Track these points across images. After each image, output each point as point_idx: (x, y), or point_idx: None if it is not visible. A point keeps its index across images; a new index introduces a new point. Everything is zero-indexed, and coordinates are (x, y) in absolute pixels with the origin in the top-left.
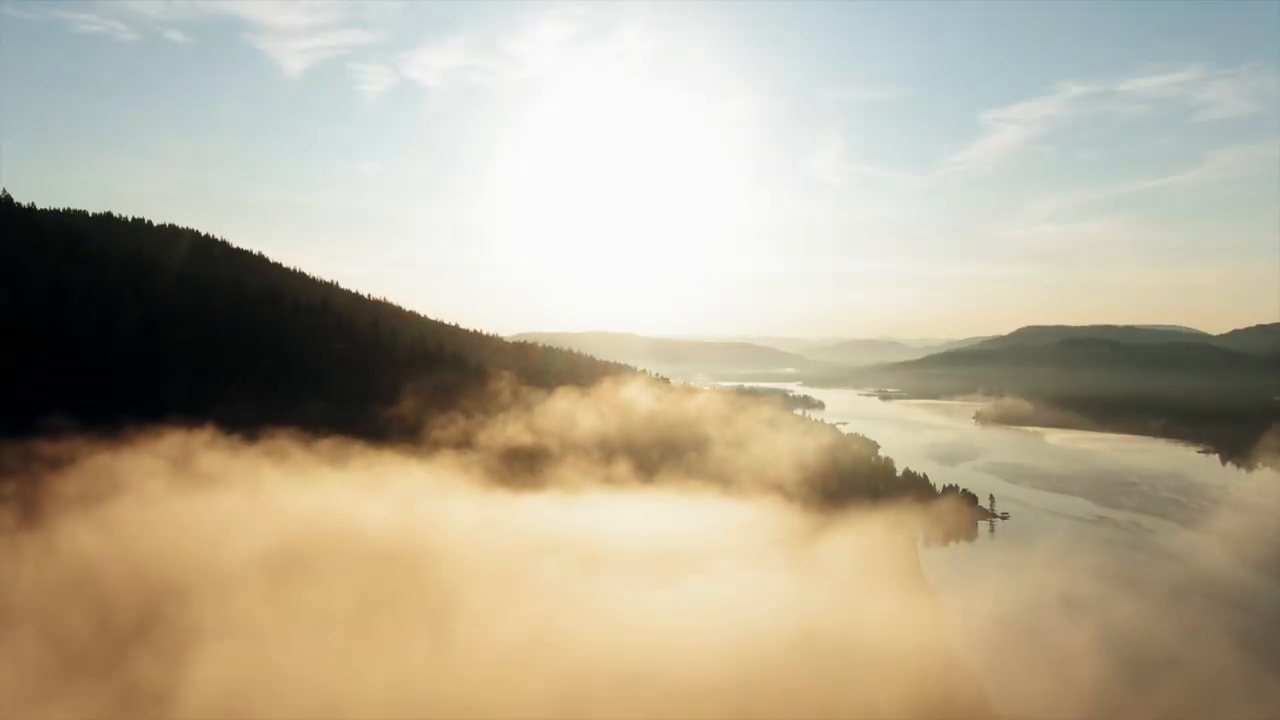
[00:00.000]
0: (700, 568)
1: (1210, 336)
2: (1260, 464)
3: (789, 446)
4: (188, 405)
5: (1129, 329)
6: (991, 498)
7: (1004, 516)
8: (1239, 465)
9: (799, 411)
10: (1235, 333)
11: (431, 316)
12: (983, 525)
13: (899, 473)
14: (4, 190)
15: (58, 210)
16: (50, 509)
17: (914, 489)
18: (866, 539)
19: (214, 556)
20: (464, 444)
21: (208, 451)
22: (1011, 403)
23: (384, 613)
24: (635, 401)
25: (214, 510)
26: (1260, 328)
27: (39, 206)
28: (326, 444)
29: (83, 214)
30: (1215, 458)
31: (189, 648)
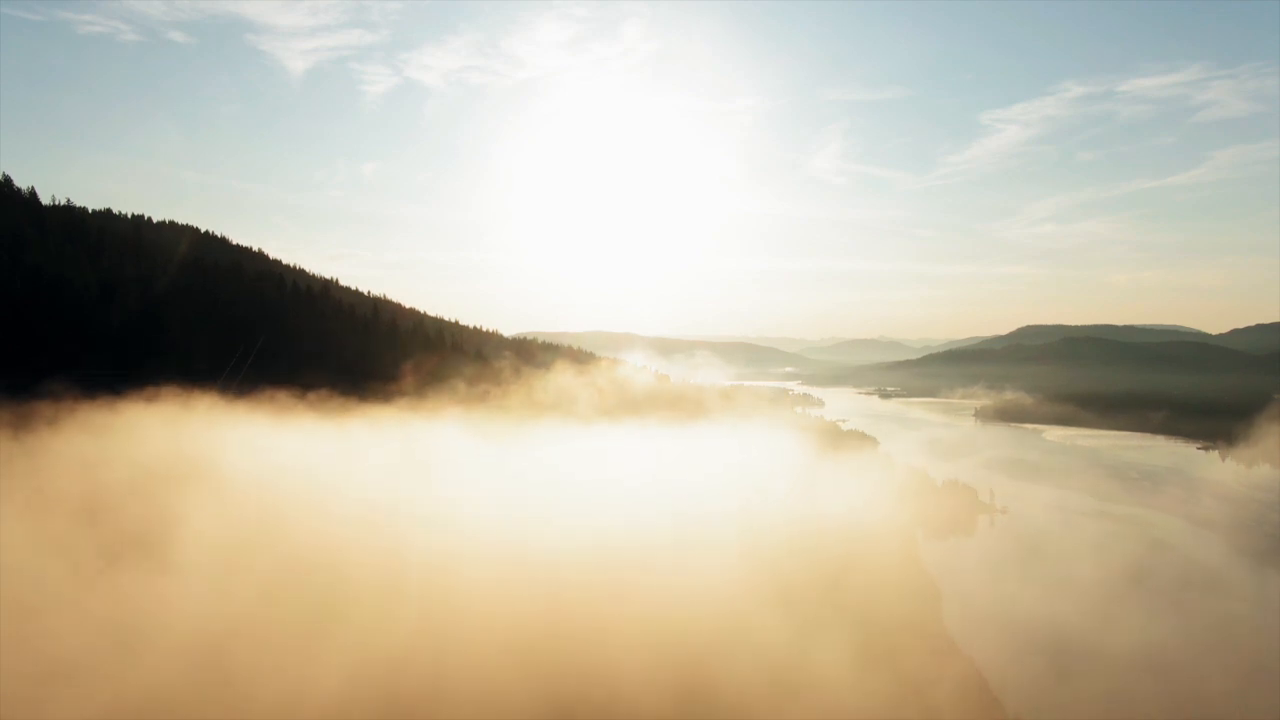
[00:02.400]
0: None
1: (1210, 335)
2: (1260, 460)
3: (791, 423)
4: (186, 379)
5: (1128, 328)
6: (991, 492)
7: (1003, 511)
8: (1238, 461)
9: (798, 410)
10: (1235, 331)
11: (431, 313)
12: (983, 519)
13: (899, 467)
14: (4, 175)
15: (56, 205)
16: (48, 437)
17: (913, 482)
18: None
19: (210, 461)
20: (465, 411)
21: (206, 407)
22: (1011, 400)
23: (389, 491)
24: (635, 380)
25: (211, 434)
26: (1260, 326)
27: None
28: (327, 406)
29: (82, 210)
30: (1215, 454)
31: (187, 509)
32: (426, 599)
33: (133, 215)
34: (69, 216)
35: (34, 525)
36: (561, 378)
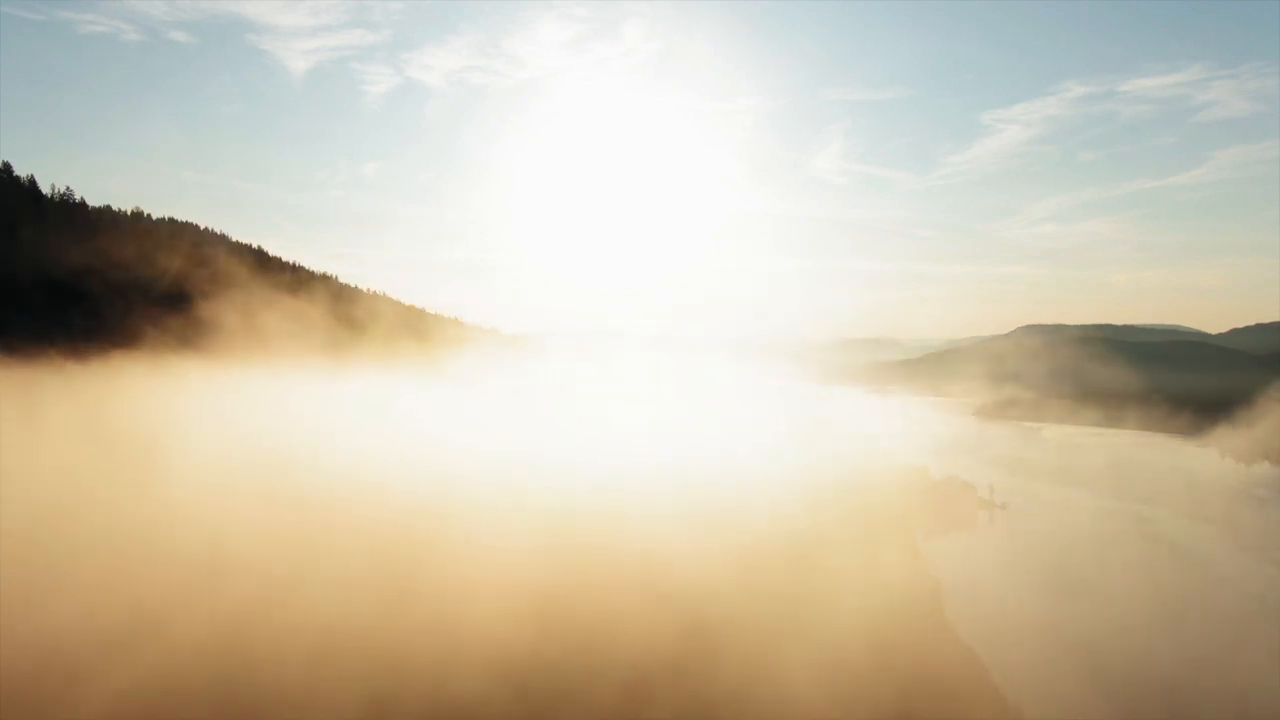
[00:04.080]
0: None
1: (1210, 335)
2: (1259, 458)
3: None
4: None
5: (1129, 327)
6: (991, 488)
7: (1003, 506)
8: (1237, 459)
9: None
10: (1234, 331)
11: (431, 311)
12: (982, 515)
13: (900, 465)
14: (4, 162)
15: (55, 197)
16: (48, 387)
17: (913, 477)
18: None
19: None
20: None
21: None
22: (1011, 398)
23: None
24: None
25: (197, 387)
26: (1259, 326)
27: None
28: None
29: (81, 202)
30: (1214, 451)
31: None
32: (424, 531)
33: (132, 212)
34: (68, 206)
35: (38, 453)
36: (560, 362)
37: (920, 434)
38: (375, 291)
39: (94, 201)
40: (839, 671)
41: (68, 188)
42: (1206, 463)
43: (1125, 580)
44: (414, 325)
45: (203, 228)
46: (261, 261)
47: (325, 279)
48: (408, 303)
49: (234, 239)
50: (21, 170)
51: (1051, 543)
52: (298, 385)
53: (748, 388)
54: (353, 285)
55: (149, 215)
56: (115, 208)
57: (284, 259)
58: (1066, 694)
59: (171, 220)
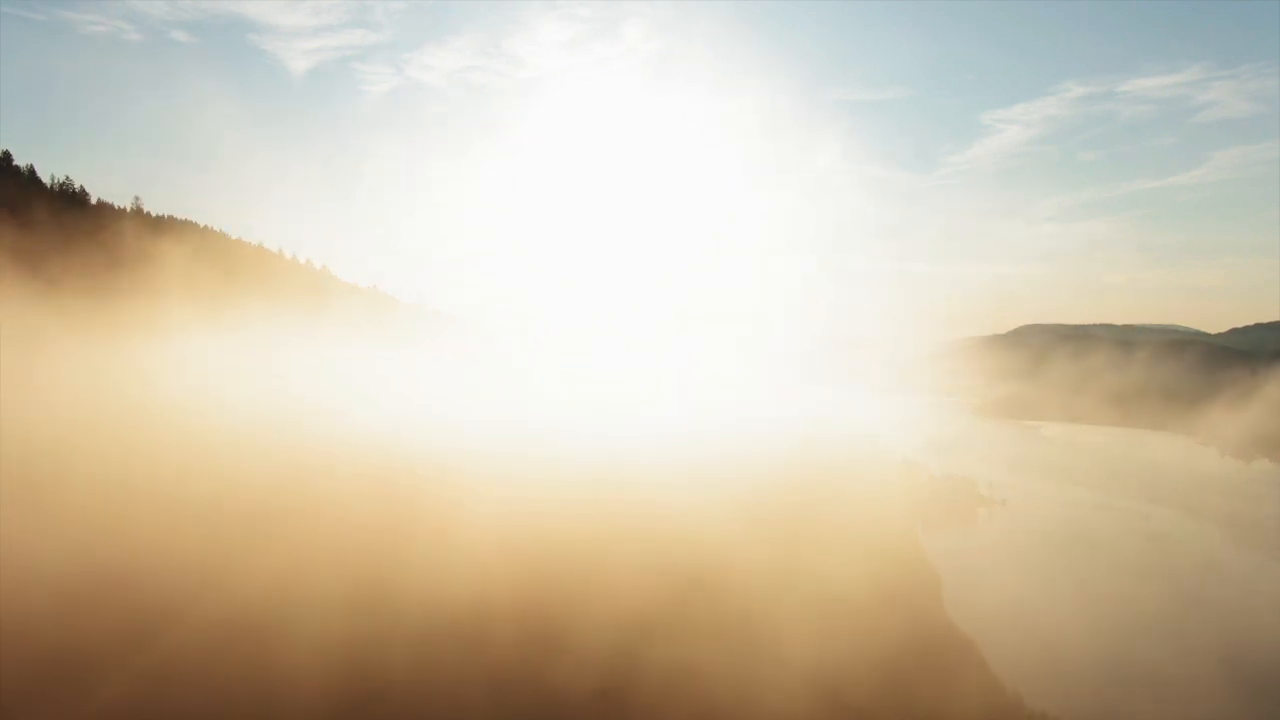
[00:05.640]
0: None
1: (1209, 335)
2: (1258, 455)
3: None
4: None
5: (1128, 327)
6: (990, 484)
7: (1002, 503)
8: (1236, 457)
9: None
10: (1234, 331)
11: (432, 308)
12: (982, 511)
13: (901, 462)
14: (4, 151)
15: (55, 187)
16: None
17: (914, 474)
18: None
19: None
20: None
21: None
22: (1011, 397)
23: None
24: None
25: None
26: (1259, 326)
27: None
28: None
29: (82, 190)
30: (1213, 450)
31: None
32: (429, 483)
33: (131, 209)
34: (68, 194)
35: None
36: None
37: (921, 432)
38: (376, 289)
39: (94, 199)
40: (836, 638)
41: (67, 177)
42: (1205, 460)
43: (1120, 574)
44: (416, 321)
45: (202, 225)
46: (261, 258)
47: (325, 276)
48: (408, 301)
49: (233, 236)
50: (21, 162)
51: (1048, 538)
52: (309, 365)
53: (748, 386)
54: (353, 283)
55: (149, 213)
56: (116, 205)
57: (284, 256)
58: (1051, 667)
59: (171, 218)
